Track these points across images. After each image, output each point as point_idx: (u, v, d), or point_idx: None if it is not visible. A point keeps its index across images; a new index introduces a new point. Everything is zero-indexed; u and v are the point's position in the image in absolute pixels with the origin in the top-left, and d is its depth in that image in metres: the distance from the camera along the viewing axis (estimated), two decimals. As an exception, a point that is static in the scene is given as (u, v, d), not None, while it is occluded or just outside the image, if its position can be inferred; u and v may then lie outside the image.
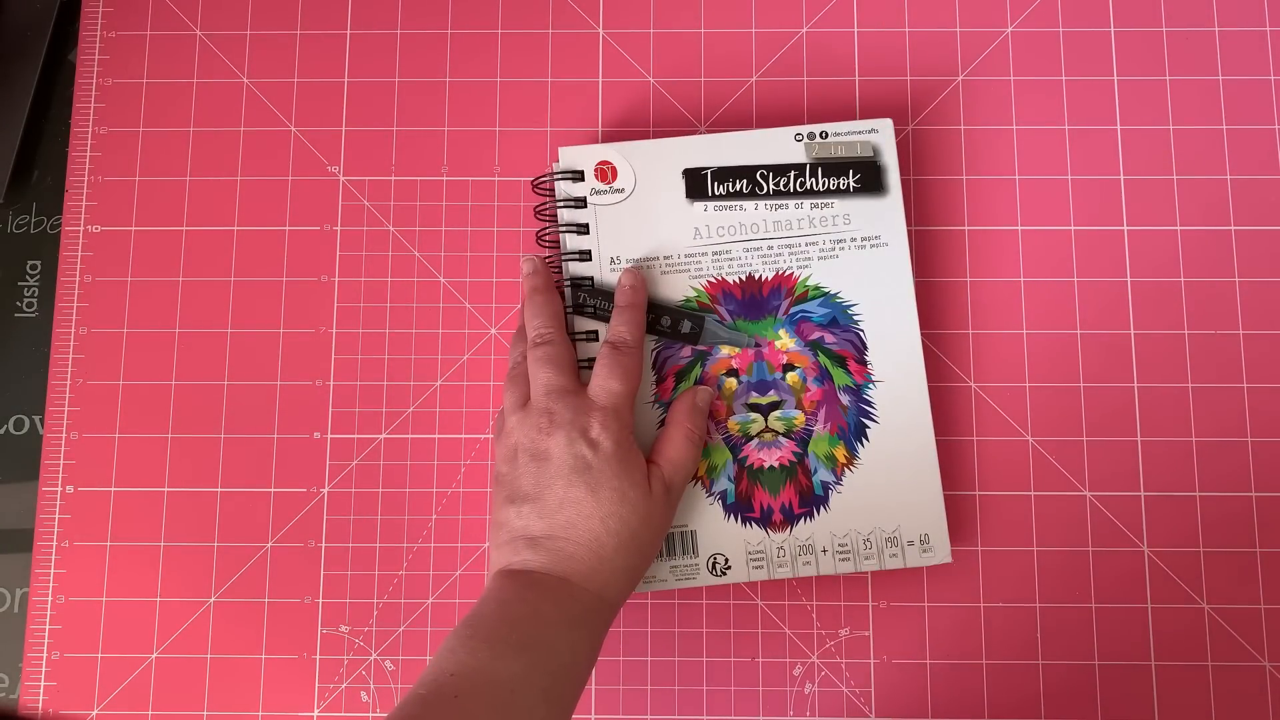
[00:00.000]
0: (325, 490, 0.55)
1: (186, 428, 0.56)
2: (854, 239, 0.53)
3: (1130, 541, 0.54)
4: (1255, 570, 0.54)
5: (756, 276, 0.53)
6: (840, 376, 0.52)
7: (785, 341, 0.53)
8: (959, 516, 0.54)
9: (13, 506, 0.56)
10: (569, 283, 0.52)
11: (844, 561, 0.52)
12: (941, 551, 0.52)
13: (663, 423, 0.52)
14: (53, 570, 0.55)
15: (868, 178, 0.53)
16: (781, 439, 0.52)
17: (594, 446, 0.47)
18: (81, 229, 0.57)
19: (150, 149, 0.58)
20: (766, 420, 0.52)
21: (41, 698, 0.54)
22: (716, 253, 0.53)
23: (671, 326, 0.52)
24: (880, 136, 0.53)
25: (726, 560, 0.52)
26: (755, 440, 0.52)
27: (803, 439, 0.52)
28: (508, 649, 0.42)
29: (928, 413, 0.52)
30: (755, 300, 0.53)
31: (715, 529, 0.52)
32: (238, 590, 0.54)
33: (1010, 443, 0.55)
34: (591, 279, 0.52)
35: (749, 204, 0.53)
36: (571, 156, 0.53)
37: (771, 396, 0.52)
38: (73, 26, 0.59)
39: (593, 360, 0.50)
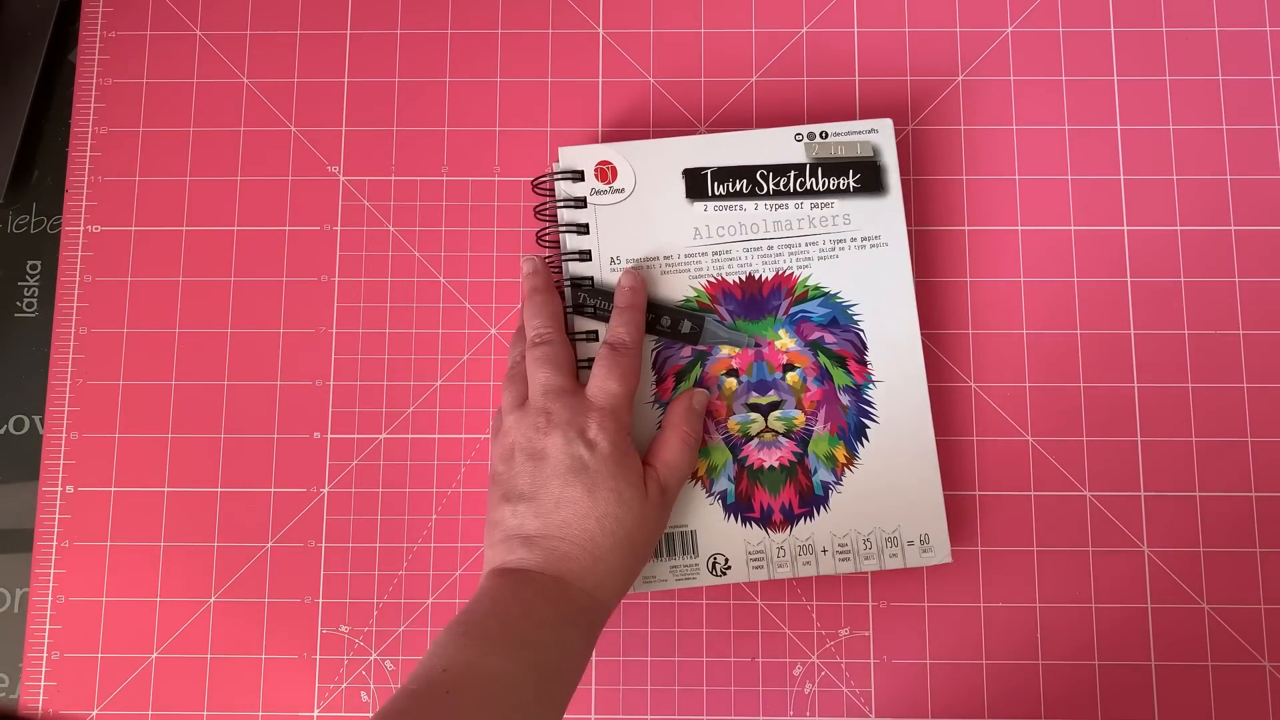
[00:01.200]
0: (325, 490, 0.55)
1: (186, 428, 0.56)
2: (854, 239, 0.53)
3: (1130, 541, 0.54)
4: (1255, 570, 0.54)
5: (756, 276, 0.53)
6: (840, 376, 0.52)
7: (785, 341, 0.53)
8: (959, 516, 0.54)
9: (13, 506, 0.56)
10: (569, 283, 0.52)
11: (844, 561, 0.52)
12: (941, 551, 0.52)
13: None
14: (53, 570, 0.55)
15: (868, 178, 0.53)
16: (781, 439, 0.52)
17: (591, 447, 0.47)
18: (81, 229, 0.57)
19: (150, 149, 0.58)
20: (766, 420, 0.52)
21: (41, 698, 0.54)
22: (716, 253, 0.53)
23: (671, 326, 0.52)
24: (880, 136, 0.53)
25: (726, 560, 0.52)
26: (755, 440, 0.52)
27: (803, 439, 0.52)
28: (500, 646, 0.42)
29: (928, 413, 0.52)
30: (755, 300, 0.53)
31: (715, 529, 0.52)
32: (238, 590, 0.55)
33: (1010, 443, 0.55)
34: (591, 279, 0.52)
35: (749, 204, 0.53)
36: (571, 156, 0.53)
37: (771, 396, 0.52)
38: (73, 26, 0.59)
39: (592, 360, 0.50)
